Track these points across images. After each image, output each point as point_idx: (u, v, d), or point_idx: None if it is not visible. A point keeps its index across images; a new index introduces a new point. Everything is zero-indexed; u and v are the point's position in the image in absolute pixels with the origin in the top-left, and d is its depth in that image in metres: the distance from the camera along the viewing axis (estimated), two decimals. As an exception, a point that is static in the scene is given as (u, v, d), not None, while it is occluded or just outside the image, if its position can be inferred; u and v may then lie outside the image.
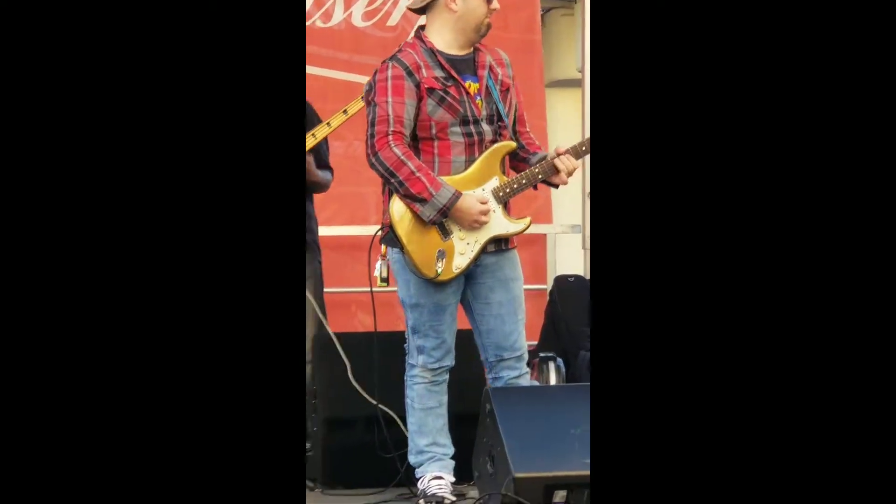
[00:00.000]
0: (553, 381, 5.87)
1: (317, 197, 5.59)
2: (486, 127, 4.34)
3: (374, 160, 4.34)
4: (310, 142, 5.25)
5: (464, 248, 4.30)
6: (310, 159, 5.29)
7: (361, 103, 5.26)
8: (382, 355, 4.70)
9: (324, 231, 5.70)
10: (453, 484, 4.35)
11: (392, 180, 4.28)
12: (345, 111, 5.29)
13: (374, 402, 4.69)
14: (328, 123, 5.30)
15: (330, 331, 4.99)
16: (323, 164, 5.47)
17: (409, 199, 4.26)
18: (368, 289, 6.83)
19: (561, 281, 6.48)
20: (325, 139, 5.37)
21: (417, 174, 4.24)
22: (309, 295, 5.27)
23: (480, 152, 4.33)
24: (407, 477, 4.49)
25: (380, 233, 4.46)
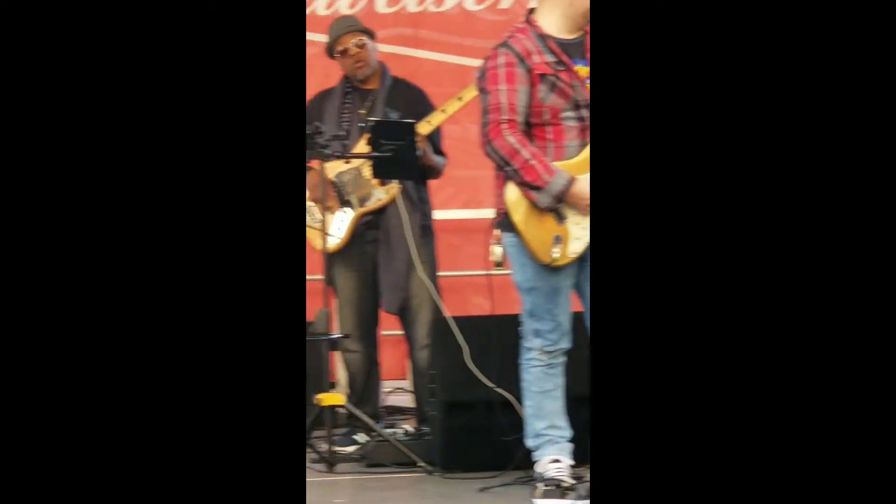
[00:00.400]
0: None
1: (431, 181, 5.64)
2: (598, 110, 4.33)
3: (489, 148, 4.36)
4: (426, 128, 5.29)
5: (579, 233, 4.30)
6: (426, 145, 5.34)
7: (476, 90, 5.29)
8: (499, 338, 4.71)
9: (438, 214, 5.74)
10: (571, 466, 4.36)
11: (507, 168, 4.30)
12: (459, 98, 5.33)
13: (492, 385, 4.72)
14: (443, 110, 5.34)
15: (447, 314, 5.02)
16: (437, 149, 5.51)
17: (525, 186, 4.28)
18: (484, 272, 6.90)
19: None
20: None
21: (532, 162, 4.25)
22: (426, 278, 5.32)
23: (593, 136, 4.33)
24: (524, 460, 4.50)
25: (496, 217, 4.47)
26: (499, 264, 4.50)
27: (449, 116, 5.36)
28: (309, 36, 7.03)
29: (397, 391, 6.67)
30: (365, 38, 5.53)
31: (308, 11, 6.89)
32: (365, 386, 5.61)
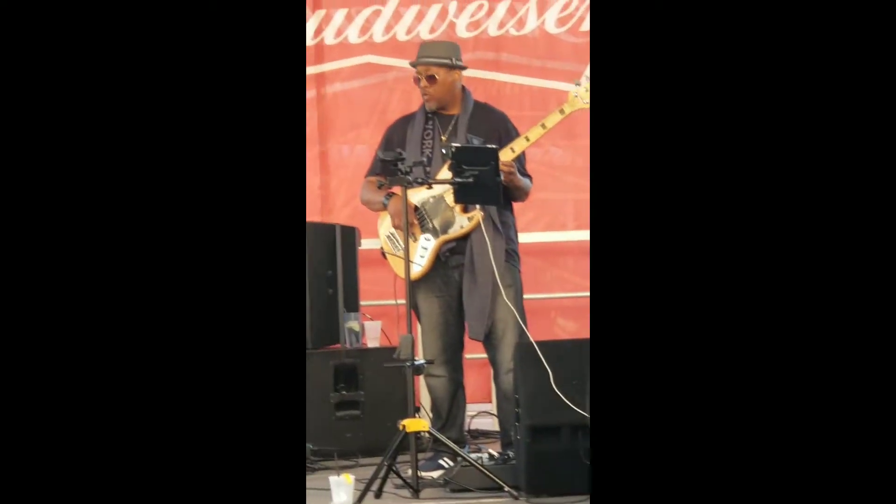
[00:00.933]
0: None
1: (515, 204, 5.64)
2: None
3: None
4: (509, 155, 5.29)
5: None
6: (513, 167, 5.34)
7: (559, 117, 5.29)
8: (584, 361, 4.69)
9: (521, 238, 5.73)
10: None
11: None
12: (543, 125, 5.32)
13: (577, 408, 4.70)
14: (527, 137, 5.34)
15: (531, 338, 5.01)
16: (522, 172, 5.51)
17: None
18: (565, 294, 6.88)
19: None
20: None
21: None
22: (510, 303, 5.31)
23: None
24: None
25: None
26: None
27: (532, 143, 5.36)
28: (391, 61, 7.13)
29: (482, 414, 6.67)
30: (442, 72, 5.55)
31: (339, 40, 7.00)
32: (449, 410, 5.61)
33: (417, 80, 5.58)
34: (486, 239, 5.33)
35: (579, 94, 5.27)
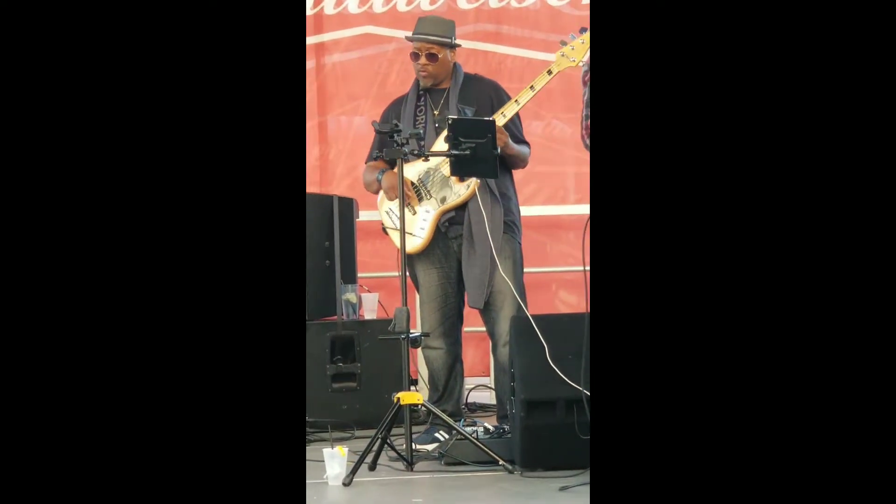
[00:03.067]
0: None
1: (515, 177, 5.61)
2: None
3: (586, 143, 4.34)
4: (500, 120, 5.25)
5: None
6: (506, 136, 5.30)
7: (547, 78, 5.25)
8: (580, 335, 4.67)
9: (523, 211, 5.71)
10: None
11: None
12: (532, 87, 5.29)
13: (572, 383, 4.68)
14: (516, 101, 5.31)
15: (528, 313, 4.98)
16: (518, 139, 5.47)
17: None
18: (567, 268, 6.86)
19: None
20: (517, 115, 5.38)
21: None
22: (507, 277, 5.28)
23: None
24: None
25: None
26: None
27: (522, 106, 5.31)
28: (391, 32, 7.09)
29: (480, 388, 6.66)
30: (443, 51, 5.51)
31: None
32: (446, 383, 5.59)
33: (415, 56, 5.54)
34: (482, 209, 5.30)
35: (565, 52, 5.23)
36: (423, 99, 5.57)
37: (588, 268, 4.43)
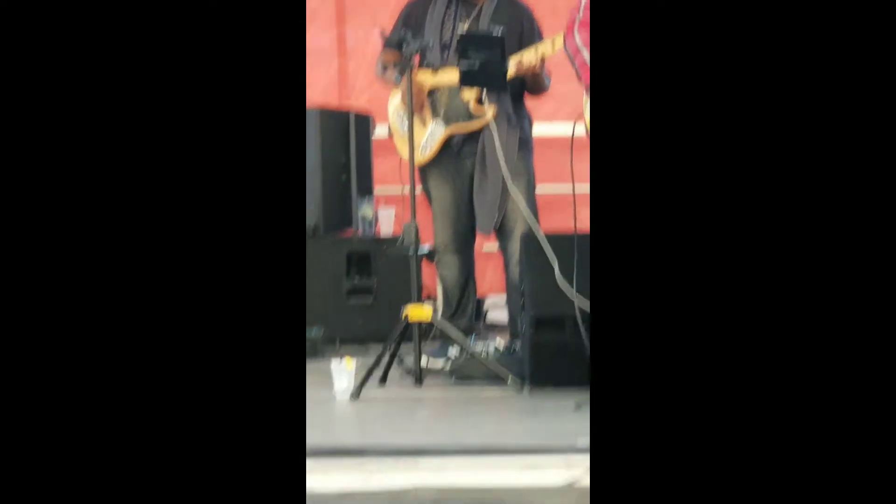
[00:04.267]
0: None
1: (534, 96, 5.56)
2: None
3: (565, 45, 4.42)
4: (512, 69, 5.18)
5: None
6: (542, 65, 5.24)
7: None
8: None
9: (544, 129, 5.67)
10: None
11: (574, 67, 4.33)
12: (553, 41, 5.20)
13: (581, 300, 4.66)
14: (535, 48, 5.24)
15: (538, 231, 4.95)
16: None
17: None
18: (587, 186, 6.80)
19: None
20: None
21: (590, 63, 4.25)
22: (519, 195, 5.23)
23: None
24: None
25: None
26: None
27: (538, 56, 5.23)
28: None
29: (494, 305, 6.66)
30: None
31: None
32: (460, 299, 5.58)
33: None
34: (496, 139, 5.21)
35: None
36: (452, 6, 5.47)
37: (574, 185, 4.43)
